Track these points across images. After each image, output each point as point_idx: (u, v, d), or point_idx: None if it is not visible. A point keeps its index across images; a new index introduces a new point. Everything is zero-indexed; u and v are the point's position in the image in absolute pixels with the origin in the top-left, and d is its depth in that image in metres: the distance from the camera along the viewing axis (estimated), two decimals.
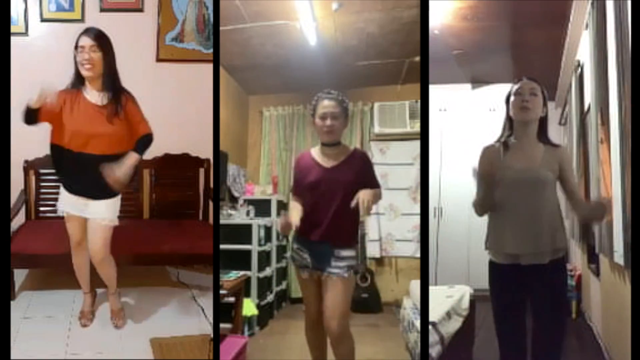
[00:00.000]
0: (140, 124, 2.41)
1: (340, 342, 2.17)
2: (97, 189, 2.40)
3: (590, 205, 2.24)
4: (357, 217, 2.18)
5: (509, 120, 1.94)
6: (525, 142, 1.89)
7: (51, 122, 2.33)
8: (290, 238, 2.35)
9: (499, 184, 1.87)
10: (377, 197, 2.17)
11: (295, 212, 2.16)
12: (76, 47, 2.31)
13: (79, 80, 2.36)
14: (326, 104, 2.17)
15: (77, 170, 2.38)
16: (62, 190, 2.49)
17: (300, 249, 2.23)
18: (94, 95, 2.36)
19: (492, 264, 1.93)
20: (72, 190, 2.45)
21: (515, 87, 1.89)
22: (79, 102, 2.33)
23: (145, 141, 2.41)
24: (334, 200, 2.14)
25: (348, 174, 2.18)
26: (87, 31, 2.33)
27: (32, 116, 2.22)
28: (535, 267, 1.81)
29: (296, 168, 2.35)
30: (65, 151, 2.35)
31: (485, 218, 1.95)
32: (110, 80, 2.36)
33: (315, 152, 2.29)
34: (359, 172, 2.19)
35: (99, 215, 2.45)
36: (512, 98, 1.89)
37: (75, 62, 2.33)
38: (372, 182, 2.20)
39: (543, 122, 1.91)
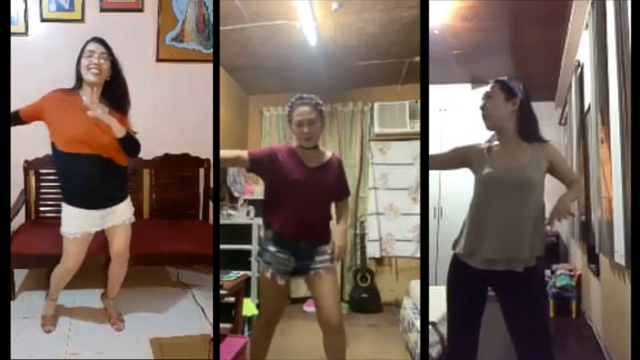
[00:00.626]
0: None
1: (339, 332, 2.19)
2: (117, 192, 2.46)
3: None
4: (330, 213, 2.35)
5: None
6: (509, 143, 1.83)
7: (46, 123, 2.32)
8: (264, 240, 2.27)
9: (482, 184, 1.83)
10: (346, 221, 2.35)
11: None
12: (82, 51, 2.28)
13: (78, 85, 2.32)
14: (301, 111, 2.17)
15: (95, 174, 2.33)
16: (68, 210, 2.37)
17: (282, 251, 2.17)
18: (92, 102, 2.27)
19: (458, 261, 1.86)
20: (89, 204, 2.37)
21: None
22: (77, 106, 2.25)
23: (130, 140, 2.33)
24: (319, 201, 2.22)
25: (328, 177, 2.26)
26: (98, 39, 2.32)
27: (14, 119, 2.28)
28: (509, 273, 1.74)
29: (278, 154, 2.23)
30: (76, 156, 2.30)
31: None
32: (111, 92, 2.33)
33: (297, 150, 2.27)
34: (336, 177, 2.31)
35: (122, 218, 2.49)
36: None
37: (77, 66, 2.29)
38: (344, 189, 2.40)
39: (521, 118, 1.81)
